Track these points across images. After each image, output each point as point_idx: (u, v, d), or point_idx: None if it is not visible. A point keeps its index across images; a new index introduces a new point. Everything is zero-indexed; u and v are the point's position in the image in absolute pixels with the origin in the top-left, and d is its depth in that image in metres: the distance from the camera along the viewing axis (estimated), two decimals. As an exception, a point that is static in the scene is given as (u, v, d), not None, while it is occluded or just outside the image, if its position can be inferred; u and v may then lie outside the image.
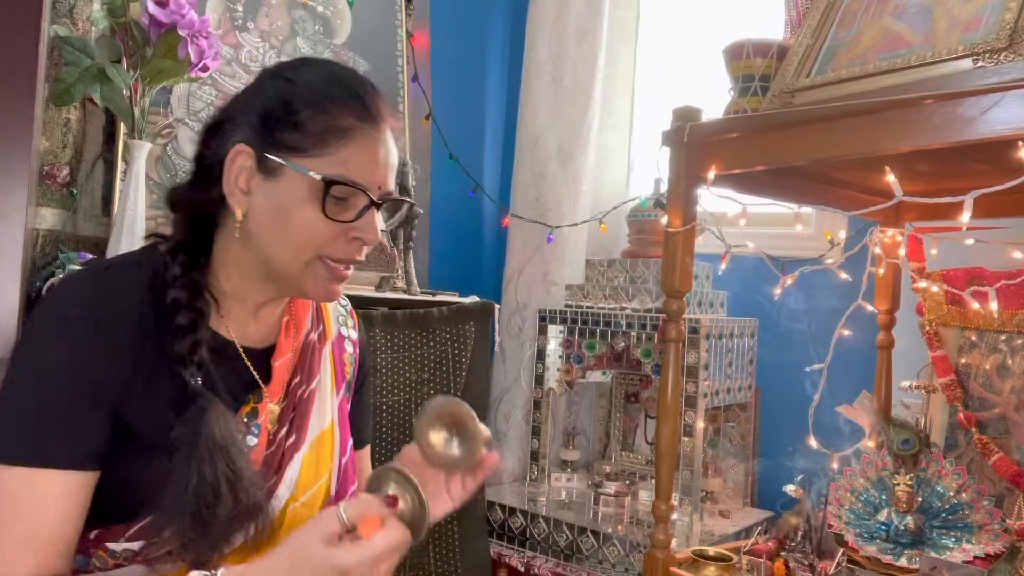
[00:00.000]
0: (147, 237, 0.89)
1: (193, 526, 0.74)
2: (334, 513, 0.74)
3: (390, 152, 0.85)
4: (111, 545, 0.78)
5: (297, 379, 0.92)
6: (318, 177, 0.80)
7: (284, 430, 0.89)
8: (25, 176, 1.22)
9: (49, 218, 1.47)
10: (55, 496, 0.74)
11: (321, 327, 0.99)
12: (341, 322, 1.04)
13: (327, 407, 0.95)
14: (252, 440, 0.86)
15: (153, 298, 0.80)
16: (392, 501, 0.77)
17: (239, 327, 0.89)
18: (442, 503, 0.93)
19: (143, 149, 1.45)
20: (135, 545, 0.78)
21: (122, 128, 1.52)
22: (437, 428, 0.90)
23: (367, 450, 1.10)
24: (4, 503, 0.73)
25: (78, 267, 1.34)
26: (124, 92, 1.43)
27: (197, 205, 0.86)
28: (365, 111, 0.83)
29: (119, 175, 1.52)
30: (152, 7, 1.38)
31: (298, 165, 0.80)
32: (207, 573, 0.74)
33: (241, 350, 0.88)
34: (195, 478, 0.75)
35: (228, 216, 0.85)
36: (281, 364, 0.91)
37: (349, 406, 1.03)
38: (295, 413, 0.91)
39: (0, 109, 1.20)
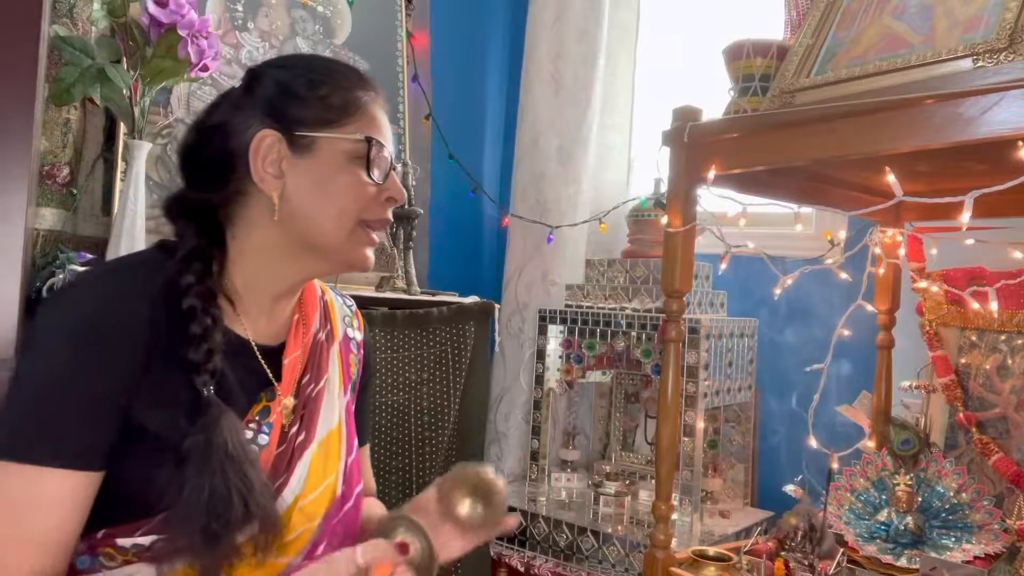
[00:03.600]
0: (156, 244, 0.89)
1: (204, 537, 0.75)
2: (349, 556, 0.76)
3: (387, 120, 0.93)
4: (120, 541, 0.78)
5: (307, 377, 0.94)
6: (362, 137, 0.86)
7: (295, 428, 0.90)
8: (25, 176, 1.22)
9: (49, 218, 1.47)
10: (58, 496, 0.74)
11: (329, 327, 1.01)
12: (347, 323, 1.06)
13: (335, 406, 0.96)
14: (264, 438, 0.87)
15: (165, 301, 0.80)
16: (403, 548, 0.80)
17: (252, 325, 0.90)
18: (454, 548, 0.97)
19: (143, 149, 1.45)
20: (146, 540, 0.78)
21: (122, 128, 1.52)
22: (464, 493, 0.94)
23: (367, 448, 1.11)
24: (7, 502, 0.73)
25: (78, 267, 1.34)
26: (124, 92, 1.43)
27: (206, 206, 0.87)
28: (369, 85, 0.91)
29: (119, 175, 1.52)
30: (152, 7, 1.38)
31: (333, 135, 0.86)
32: None
33: (256, 348, 0.89)
34: (207, 490, 0.75)
35: (249, 207, 0.87)
36: (291, 361, 0.92)
37: (354, 408, 1.04)
38: (304, 411, 0.92)
39: (0, 109, 1.20)
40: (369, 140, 0.87)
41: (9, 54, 1.20)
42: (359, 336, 1.07)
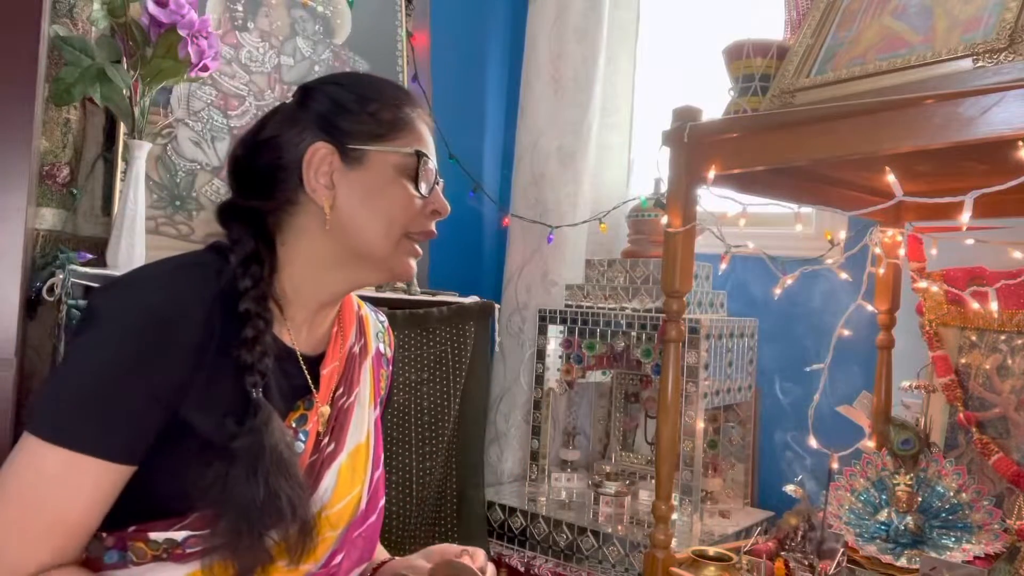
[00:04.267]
0: (208, 246, 0.91)
1: (252, 536, 0.76)
2: None
3: (431, 136, 0.97)
4: (153, 535, 0.79)
5: (340, 389, 0.95)
6: (412, 151, 0.90)
7: (325, 438, 0.92)
8: (25, 176, 1.22)
9: (49, 218, 1.47)
10: (89, 484, 0.75)
11: (363, 341, 1.03)
12: (379, 339, 1.08)
13: (364, 420, 0.98)
14: (300, 446, 0.88)
15: (222, 303, 0.82)
16: None
17: (296, 333, 0.92)
18: None
19: (143, 149, 1.45)
20: (179, 535, 0.78)
21: (122, 128, 1.52)
22: None
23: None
24: (39, 483, 0.74)
25: (78, 267, 1.34)
26: (124, 92, 1.43)
27: (257, 213, 0.90)
28: (415, 102, 0.95)
29: (119, 175, 1.52)
30: (152, 7, 1.38)
31: (384, 148, 0.89)
32: None
33: (300, 357, 0.91)
34: (261, 491, 0.77)
35: (299, 216, 0.89)
36: (329, 372, 0.94)
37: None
38: (336, 422, 0.94)
39: (0, 109, 1.20)
40: (419, 154, 0.90)
41: (9, 54, 1.20)
42: (389, 353, 1.10)
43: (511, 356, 2.22)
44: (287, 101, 0.95)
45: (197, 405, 0.79)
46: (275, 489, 0.78)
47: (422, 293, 1.93)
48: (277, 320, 0.88)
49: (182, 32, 1.39)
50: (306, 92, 0.93)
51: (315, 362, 0.94)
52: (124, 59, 1.45)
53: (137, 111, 1.44)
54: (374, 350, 1.05)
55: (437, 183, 0.94)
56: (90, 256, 1.43)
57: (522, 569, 1.84)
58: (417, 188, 0.90)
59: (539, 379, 2.03)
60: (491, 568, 0.99)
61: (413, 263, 0.94)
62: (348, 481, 0.93)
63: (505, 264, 2.31)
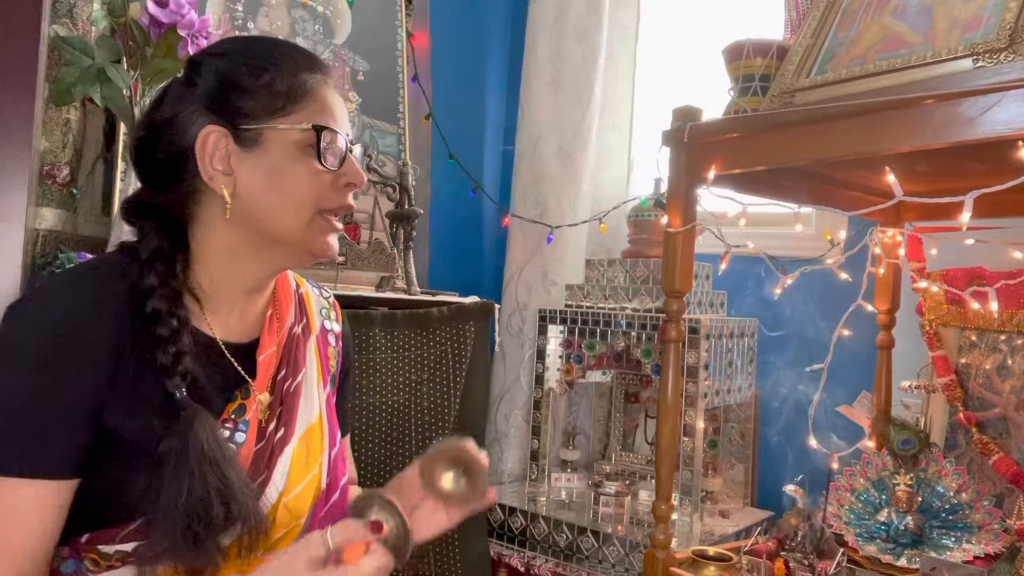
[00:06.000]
0: (118, 247, 0.88)
1: (186, 539, 0.75)
2: (320, 538, 0.74)
3: (340, 100, 0.89)
4: (103, 548, 0.78)
5: (283, 373, 0.92)
6: (309, 126, 0.83)
7: (272, 425, 0.89)
8: (25, 176, 1.22)
9: (49, 218, 1.47)
10: (31, 506, 0.74)
11: (305, 320, 0.99)
12: (324, 315, 1.04)
13: (314, 400, 0.95)
14: (241, 436, 0.86)
15: (130, 305, 0.79)
16: (377, 527, 0.77)
17: (222, 323, 0.89)
18: (438, 522, 0.96)
19: (143, 149, 1.45)
20: (128, 547, 0.78)
21: (122, 128, 1.52)
22: (444, 467, 0.94)
23: (347, 438, 1.11)
24: None
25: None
26: (124, 92, 1.43)
27: (164, 206, 0.85)
28: (316, 65, 0.87)
29: (119, 175, 1.52)
30: (152, 7, 1.38)
31: (280, 125, 0.82)
32: None
33: (224, 347, 0.88)
34: (185, 492, 0.75)
35: (204, 205, 0.85)
36: (265, 358, 0.91)
37: (335, 400, 1.03)
38: (282, 407, 0.91)
39: (0, 109, 1.20)
40: (318, 128, 0.83)
41: (9, 54, 1.20)
42: (337, 327, 1.05)
43: (511, 356, 2.22)
44: (178, 75, 0.88)
45: (122, 411, 0.77)
46: (202, 489, 0.75)
47: (422, 293, 1.93)
48: (196, 315, 0.85)
49: (182, 32, 1.39)
50: (192, 66, 0.86)
51: (251, 349, 0.90)
52: (124, 59, 1.45)
53: (137, 111, 1.44)
54: (318, 328, 1.00)
55: (350, 151, 0.87)
56: (90, 256, 1.43)
57: (522, 569, 1.84)
58: (323, 162, 0.84)
59: (539, 379, 2.03)
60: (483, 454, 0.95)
61: (333, 240, 0.88)
62: (303, 464, 0.91)
63: (505, 264, 2.31)
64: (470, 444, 0.93)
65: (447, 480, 0.93)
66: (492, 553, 1.89)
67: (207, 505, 0.75)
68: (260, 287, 0.91)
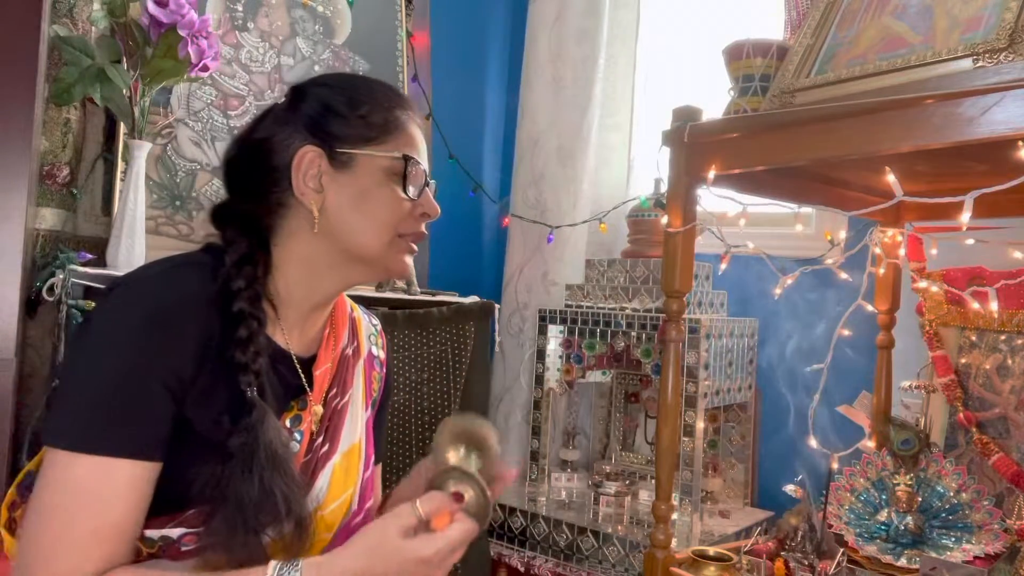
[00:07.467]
0: (203, 247, 0.93)
1: (247, 532, 0.77)
2: (410, 508, 0.81)
3: (423, 137, 0.97)
4: (149, 532, 0.79)
5: (333, 391, 0.96)
6: (399, 155, 0.90)
7: (319, 439, 0.92)
8: (25, 176, 1.22)
9: (49, 218, 1.47)
10: (124, 486, 0.76)
11: (356, 343, 1.03)
12: (372, 341, 1.08)
13: (358, 421, 0.98)
14: (295, 446, 0.89)
15: (218, 303, 0.83)
16: (459, 497, 0.83)
17: (288, 334, 0.92)
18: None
19: (143, 149, 1.45)
20: (175, 533, 0.79)
21: (122, 128, 1.52)
22: (455, 446, 0.93)
23: (379, 468, 1.13)
24: (75, 493, 0.75)
25: (78, 267, 1.34)
26: (124, 92, 1.43)
27: (250, 216, 0.90)
28: (406, 104, 0.95)
29: (119, 175, 1.53)
30: (152, 7, 1.38)
31: (372, 152, 0.89)
32: (290, 563, 0.77)
33: (294, 358, 0.92)
34: (256, 488, 0.77)
35: (290, 218, 0.90)
36: (322, 373, 0.95)
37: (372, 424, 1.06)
38: (330, 423, 0.94)
39: (0, 109, 1.20)
40: (406, 158, 0.90)
41: (9, 54, 1.20)
42: (382, 355, 1.10)
43: (511, 356, 2.22)
44: (279, 102, 0.95)
45: (197, 402, 0.80)
46: (269, 486, 0.78)
47: (422, 293, 1.93)
48: (271, 321, 0.89)
49: (182, 32, 1.40)
50: (297, 93, 0.93)
51: (307, 363, 0.94)
52: (124, 59, 1.46)
53: (137, 111, 1.44)
54: (367, 352, 1.05)
55: (427, 185, 0.94)
56: (90, 256, 1.44)
57: (522, 569, 1.84)
58: (405, 191, 0.90)
59: (539, 379, 2.03)
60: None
61: (409, 260, 0.94)
62: (342, 481, 0.93)
63: (505, 264, 2.31)
64: (479, 421, 0.94)
65: (455, 455, 0.92)
66: (492, 553, 1.89)
67: (272, 502, 0.78)
68: (326, 303, 0.95)
